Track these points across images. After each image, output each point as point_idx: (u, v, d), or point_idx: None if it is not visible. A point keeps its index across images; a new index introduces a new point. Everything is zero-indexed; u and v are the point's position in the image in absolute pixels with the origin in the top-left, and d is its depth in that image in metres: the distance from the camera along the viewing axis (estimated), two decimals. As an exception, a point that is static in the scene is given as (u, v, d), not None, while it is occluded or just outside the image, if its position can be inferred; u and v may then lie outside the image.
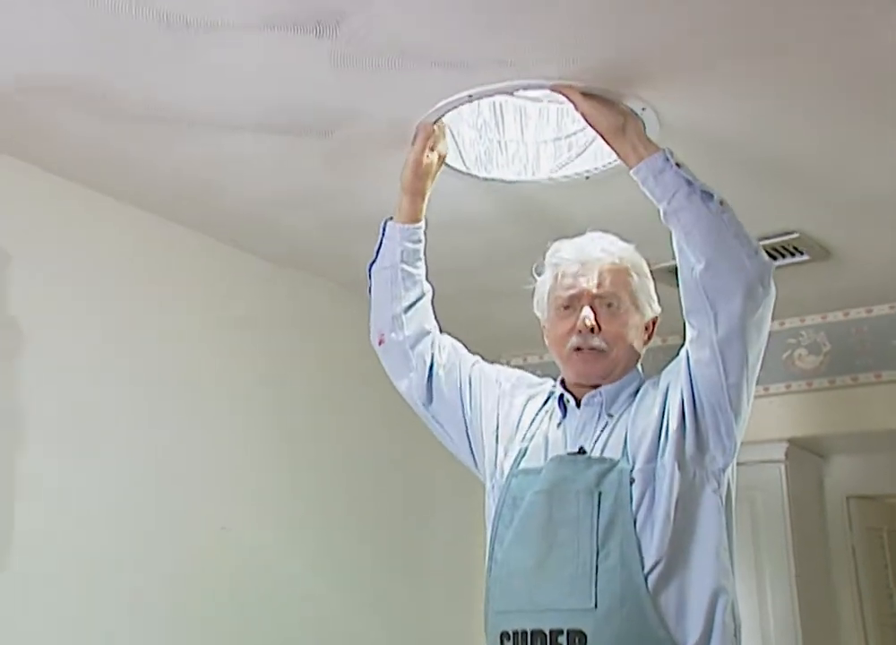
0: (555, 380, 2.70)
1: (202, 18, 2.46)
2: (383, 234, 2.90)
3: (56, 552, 3.05)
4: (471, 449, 2.77)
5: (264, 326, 3.91)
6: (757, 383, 2.51)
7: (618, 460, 2.40)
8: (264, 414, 3.83)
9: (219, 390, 3.68)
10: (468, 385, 2.80)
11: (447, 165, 3.11)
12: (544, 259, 2.66)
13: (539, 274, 2.68)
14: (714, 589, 2.31)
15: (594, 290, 2.53)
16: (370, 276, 2.93)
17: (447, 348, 2.89)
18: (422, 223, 2.92)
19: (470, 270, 3.92)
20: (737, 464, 2.51)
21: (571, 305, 2.55)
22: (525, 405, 2.71)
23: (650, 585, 2.27)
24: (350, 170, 3.24)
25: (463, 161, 3.15)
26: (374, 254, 2.92)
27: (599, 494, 2.35)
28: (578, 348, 2.53)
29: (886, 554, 4.74)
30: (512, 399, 2.75)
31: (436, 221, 3.49)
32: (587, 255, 2.58)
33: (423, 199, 2.90)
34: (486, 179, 3.24)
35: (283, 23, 2.48)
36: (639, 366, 2.63)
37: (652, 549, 2.29)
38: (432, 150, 2.88)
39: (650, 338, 2.65)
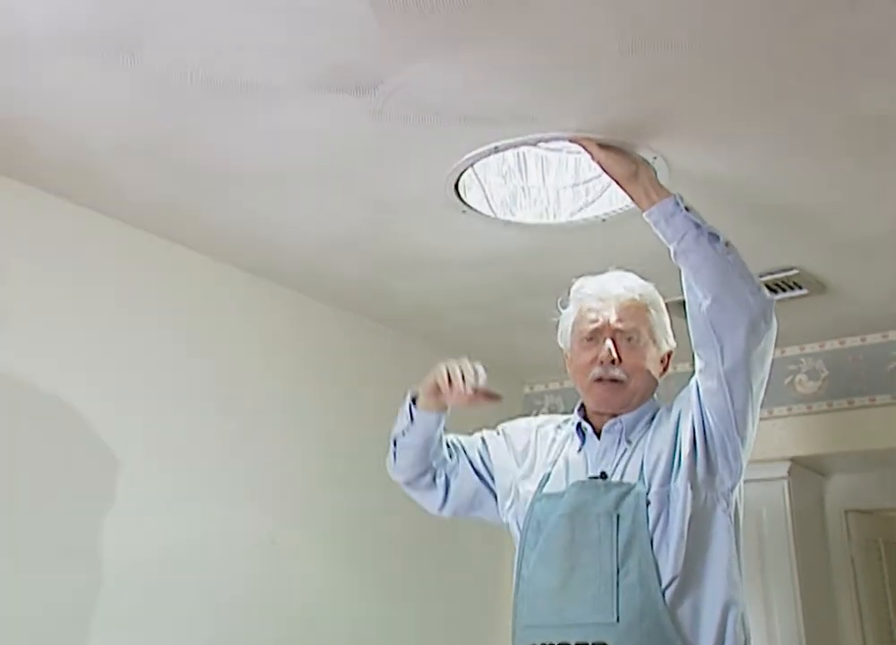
0: (572, 408, 2.70)
1: (256, 84, 2.52)
2: (411, 417, 2.70)
3: (121, 559, 3.07)
4: (496, 498, 2.75)
5: (314, 359, 3.93)
6: (761, 407, 2.52)
7: (635, 484, 2.40)
8: (314, 439, 3.84)
9: (273, 417, 3.69)
10: (480, 461, 2.78)
11: (475, 210, 3.16)
12: (569, 294, 2.67)
13: (564, 307, 2.67)
14: (726, 601, 2.31)
15: (615, 325, 2.53)
16: (394, 443, 2.79)
17: (455, 460, 2.80)
18: (448, 410, 2.71)
19: (496, 303, 3.94)
20: (744, 482, 2.50)
21: (593, 337, 2.55)
22: (537, 437, 2.72)
23: (667, 600, 2.27)
24: (387, 215, 3.25)
25: (490, 205, 3.16)
26: (399, 427, 2.76)
27: (618, 516, 2.36)
28: (599, 379, 2.52)
29: (883, 564, 4.71)
30: (524, 436, 2.75)
31: (466, 259, 3.55)
32: (609, 292, 2.58)
33: None
34: (510, 222, 3.25)
35: (327, 86, 2.53)
36: (654, 395, 2.62)
37: (668, 567, 2.29)
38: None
39: (665, 369, 2.64)
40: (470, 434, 2.85)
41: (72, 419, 3.01)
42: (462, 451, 2.80)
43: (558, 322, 2.70)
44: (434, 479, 2.76)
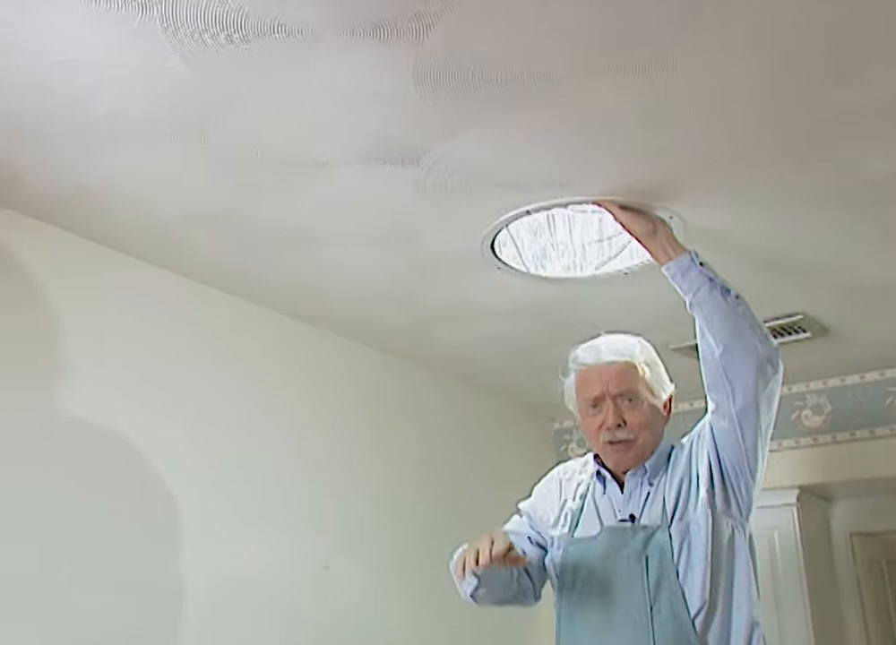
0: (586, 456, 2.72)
1: (312, 158, 2.56)
2: (478, 581, 2.52)
3: (185, 585, 3.08)
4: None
5: (362, 397, 3.94)
6: (771, 440, 2.52)
7: (659, 525, 2.40)
8: (363, 471, 3.84)
9: (327, 452, 3.70)
10: (537, 537, 2.70)
11: (509, 266, 3.17)
12: (567, 364, 2.66)
13: (565, 376, 2.67)
14: (750, 622, 2.32)
15: (614, 390, 2.51)
16: (472, 597, 2.60)
17: (530, 554, 2.65)
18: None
19: (527, 348, 3.95)
20: (756, 508, 2.51)
21: (597, 404, 2.54)
22: (563, 487, 2.71)
23: (697, 627, 2.28)
24: (429, 271, 3.28)
25: (522, 259, 3.17)
26: (472, 588, 2.56)
27: (646, 557, 2.37)
28: (610, 442, 2.52)
29: (886, 583, 4.70)
30: (554, 489, 2.74)
31: (500, 310, 3.56)
32: (603, 359, 2.56)
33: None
34: (541, 277, 3.26)
35: (376, 159, 2.56)
36: (664, 434, 2.61)
37: (696, 596, 2.30)
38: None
39: (670, 412, 2.62)
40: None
41: (144, 457, 3.04)
42: (523, 545, 2.67)
43: (563, 391, 2.69)
44: (522, 588, 2.64)
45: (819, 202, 2.80)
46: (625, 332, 2.68)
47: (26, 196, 2.75)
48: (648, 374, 2.56)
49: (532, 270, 3.23)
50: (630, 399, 2.52)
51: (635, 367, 2.55)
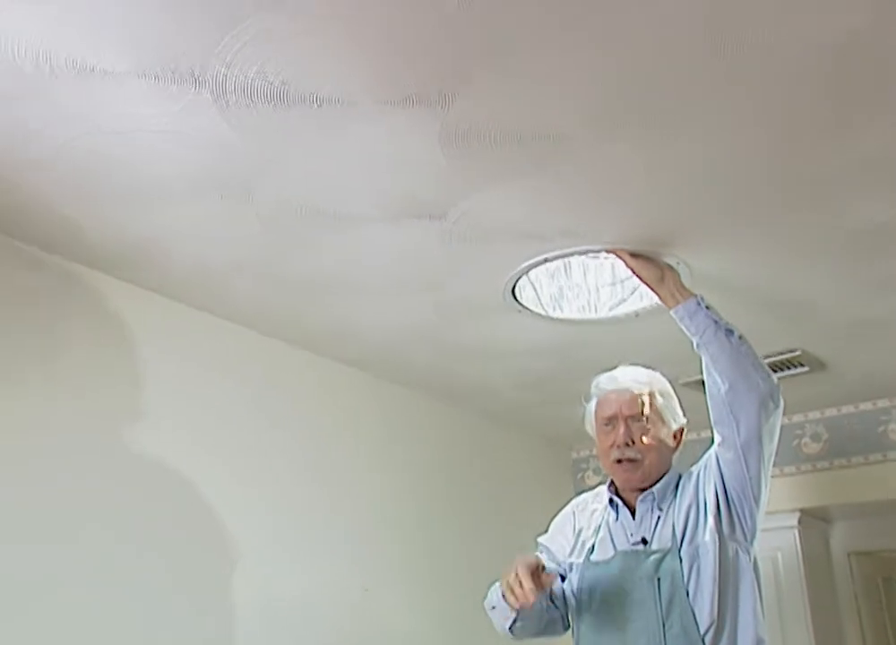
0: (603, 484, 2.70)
1: (346, 213, 2.59)
2: (517, 616, 2.47)
3: (239, 609, 3.08)
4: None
5: (394, 432, 3.94)
6: (773, 467, 2.53)
7: (670, 548, 2.40)
8: (398, 500, 3.83)
9: (364, 485, 3.70)
10: (556, 565, 2.65)
11: (528, 309, 3.18)
12: (590, 390, 2.69)
13: (587, 401, 2.69)
14: (755, 639, 2.32)
15: (627, 412, 2.54)
16: (511, 629, 2.53)
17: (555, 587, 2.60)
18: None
19: (546, 383, 3.95)
20: (762, 530, 2.51)
21: (610, 423, 2.57)
22: (577, 518, 2.70)
23: (707, 643, 2.28)
24: (455, 315, 3.28)
25: (540, 301, 3.17)
26: (510, 623, 2.50)
27: (658, 579, 2.37)
28: (619, 460, 2.53)
29: (882, 597, 4.67)
30: (567, 523, 2.72)
31: (520, 348, 3.57)
32: (620, 385, 2.60)
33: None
34: (558, 319, 3.27)
35: (404, 214, 2.59)
36: (673, 462, 2.61)
37: (705, 614, 2.30)
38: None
39: (679, 442, 2.63)
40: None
41: (202, 494, 3.06)
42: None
43: (584, 415, 2.71)
44: (552, 618, 2.60)
45: (814, 248, 2.81)
46: (644, 365, 2.71)
47: (89, 250, 2.80)
48: (660, 402, 2.58)
49: (550, 312, 3.24)
50: (640, 422, 2.54)
51: (649, 395, 2.57)
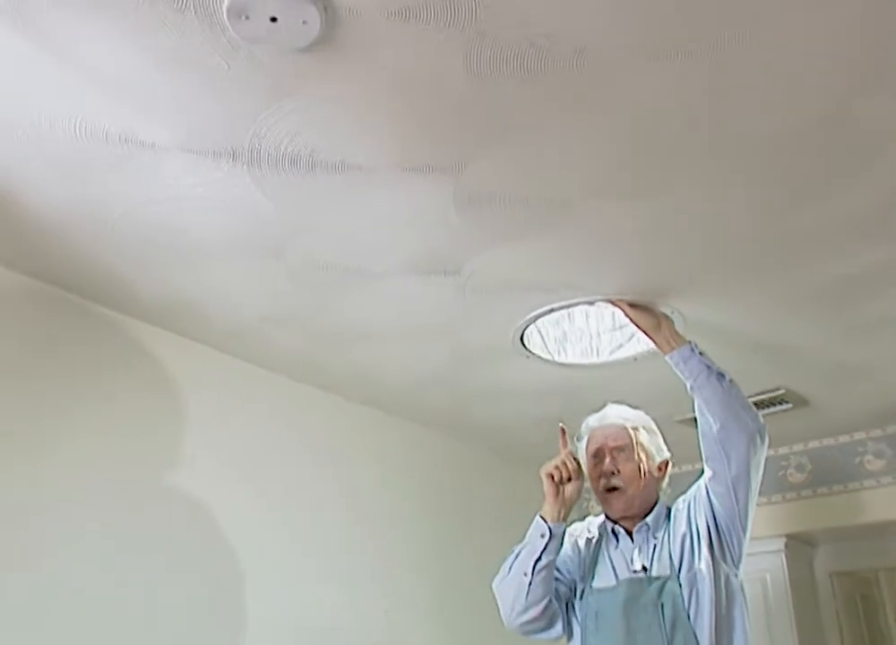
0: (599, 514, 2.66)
1: (368, 270, 2.60)
2: (550, 535, 2.46)
3: (266, 629, 3.07)
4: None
5: (414, 469, 3.93)
6: (761, 495, 2.51)
7: (669, 575, 2.38)
8: (416, 531, 3.81)
9: (384, 516, 3.67)
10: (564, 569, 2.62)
11: (536, 355, 3.18)
12: (581, 429, 2.68)
13: (579, 440, 2.67)
14: None
15: (612, 444, 2.54)
16: (530, 573, 2.44)
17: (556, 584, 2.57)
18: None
19: (554, 421, 3.91)
20: (751, 554, 2.53)
21: (598, 456, 2.56)
22: (577, 545, 2.64)
23: None
24: (469, 360, 3.28)
25: (545, 344, 3.16)
26: (532, 556, 2.45)
27: (662, 605, 2.33)
28: (606, 489, 2.52)
29: (860, 614, 4.64)
30: (567, 546, 2.64)
31: (529, 391, 3.56)
32: (607, 422, 2.61)
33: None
34: (562, 363, 3.26)
35: (422, 270, 2.61)
36: (661, 495, 2.58)
37: (705, 636, 2.27)
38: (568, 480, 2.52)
39: (664, 475, 2.60)
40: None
41: (237, 524, 3.06)
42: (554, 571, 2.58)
43: (577, 451, 2.65)
44: (552, 610, 2.51)
45: (795, 298, 2.81)
46: (630, 404, 2.71)
47: (139, 305, 2.83)
48: (643, 436, 2.57)
49: (555, 357, 3.23)
50: (625, 455, 2.53)
51: (633, 429, 2.57)
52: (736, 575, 2.43)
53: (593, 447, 2.59)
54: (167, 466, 2.89)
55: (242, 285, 2.70)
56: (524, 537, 2.52)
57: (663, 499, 2.58)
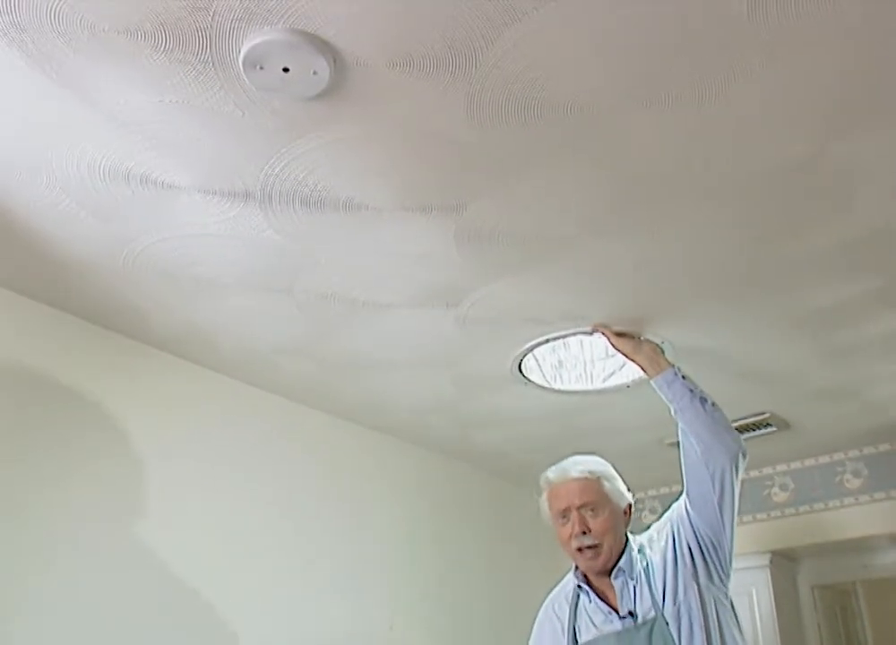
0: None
1: (375, 302, 2.62)
2: None
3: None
4: None
5: (417, 489, 3.92)
6: (747, 514, 2.49)
7: (654, 616, 2.27)
8: (419, 546, 3.79)
9: (389, 535, 3.66)
10: None
11: (533, 382, 3.18)
12: (540, 483, 2.52)
13: (539, 495, 2.52)
14: None
15: (578, 502, 2.38)
16: None
17: None
18: None
19: (549, 445, 3.88)
20: (738, 570, 2.47)
21: (564, 516, 2.40)
22: (553, 609, 2.54)
23: None
24: (469, 388, 3.28)
25: (542, 372, 3.16)
26: None
27: None
28: (579, 549, 2.37)
29: (839, 623, 4.64)
30: (545, 617, 2.55)
31: (526, 416, 3.56)
32: (569, 476, 2.43)
33: None
34: (559, 390, 3.26)
35: (425, 302, 2.62)
36: (628, 534, 2.44)
37: None
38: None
39: (629, 518, 2.47)
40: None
41: (243, 540, 3.05)
42: None
43: (539, 507, 2.55)
44: None
45: (779, 326, 2.82)
46: (590, 452, 2.58)
47: (152, 332, 2.84)
48: (607, 487, 2.43)
49: (552, 384, 3.23)
50: (592, 509, 2.37)
51: (595, 481, 2.42)
52: (725, 594, 2.36)
53: (559, 506, 2.43)
54: (172, 486, 2.88)
55: (252, 316, 2.71)
56: None
57: (630, 537, 2.47)
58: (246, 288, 2.52)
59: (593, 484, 2.42)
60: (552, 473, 2.49)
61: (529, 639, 2.61)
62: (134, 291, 2.55)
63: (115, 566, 2.63)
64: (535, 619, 2.61)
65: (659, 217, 2.19)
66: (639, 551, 2.42)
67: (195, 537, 2.89)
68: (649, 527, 2.55)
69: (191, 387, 3.05)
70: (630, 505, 2.49)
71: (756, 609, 4.20)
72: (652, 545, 2.43)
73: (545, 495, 2.50)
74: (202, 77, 1.69)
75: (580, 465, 2.47)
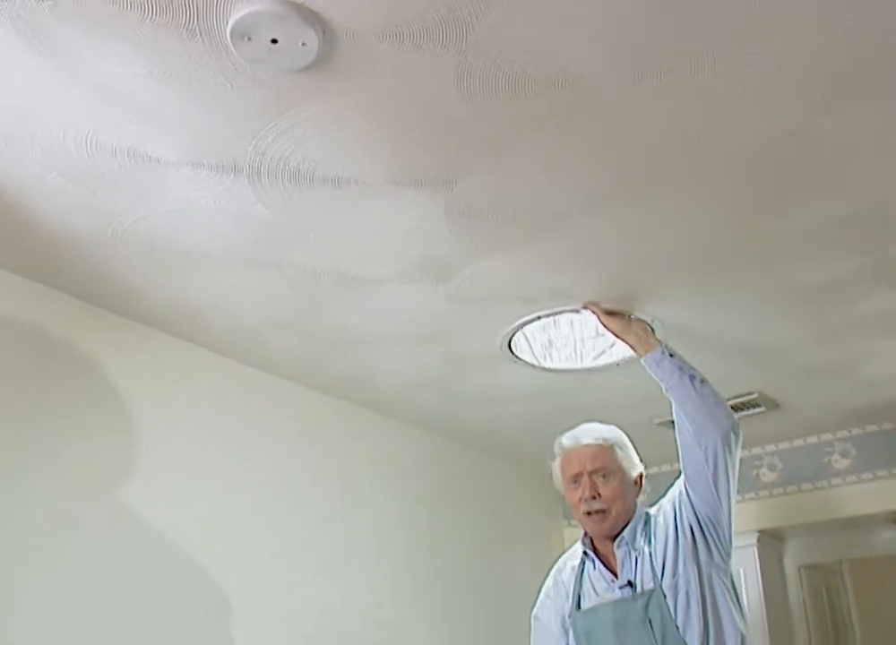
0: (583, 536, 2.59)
1: (364, 278, 2.61)
2: None
3: (271, 620, 3.06)
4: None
5: (406, 467, 3.91)
6: (736, 494, 2.49)
7: (654, 588, 2.34)
8: (410, 527, 3.80)
9: (378, 512, 3.66)
10: (557, 627, 2.58)
11: (523, 360, 3.18)
12: (554, 449, 2.60)
13: (552, 460, 2.61)
14: (737, 637, 2.29)
15: (589, 468, 2.47)
16: None
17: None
18: None
19: (538, 424, 3.90)
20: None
21: (576, 480, 2.49)
22: (559, 579, 2.61)
23: None
24: (459, 365, 3.28)
25: (532, 350, 3.16)
26: None
27: (650, 620, 2.30)
28: (587, 512, 2.46)
29: (825, 602, 4.67)
30: (551, 589, 2.64)
31: (516, 394, 3.56)
32: (581, 442, 2.53)
33: None
34: (548, 368, 3.27)
35: (414, 278, 2.61)
36: (638, 504, 2.53)
37: (696, 642, 2.25)
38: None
39: (640, 486, 2.56)
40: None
41: (229, 521, 3.05)
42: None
43: (552, 472, 2.62)
44: None
45: (770, 303, 2.83)
46: (602, 421, 2.65)
47: (141, 308, 2.83)
48: (619, 454, 2.51)
49: (542, 362, 3.23)
50: (603, 476, 2.46)
51: (608, 449, 2.51)
52: (725, 571, 2.40)
53: (571, 471, 2.51)
54: (164, 465, 2.87)
55: (242, 291, 2.70)
56: None
57: (639, 507, 2.54)
58: (236, 263, 2.51)
59: (606, 450, 2.50)
60: (566, 439, 2.57)
61: (531, 608, 2.68)
62: (123, 266, 2.54)
63: (106, 544, 2.63)
64: (541, 586, 2.69)
65: (649, 192, 2.18)
66: (645, 523, 2.48)
67: (189, 515, 2.89)
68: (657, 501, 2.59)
69: (182, 365, 3.04)
70: (641, 475, 2.57)
71: (743, 588, 4.21)
72: (658, 519, 2.48)
73: (557, 461, 2.58)
74: (189, 48, 1.67)
75: (594, 432, 2.56)
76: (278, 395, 3.40)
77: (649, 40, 1.68)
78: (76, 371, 2.72)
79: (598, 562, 2.49)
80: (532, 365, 3.24)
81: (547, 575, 2.71)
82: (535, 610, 2.68)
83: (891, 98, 1.87)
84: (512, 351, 3.13)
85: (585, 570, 2.54)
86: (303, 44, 1.65)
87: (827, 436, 4.19)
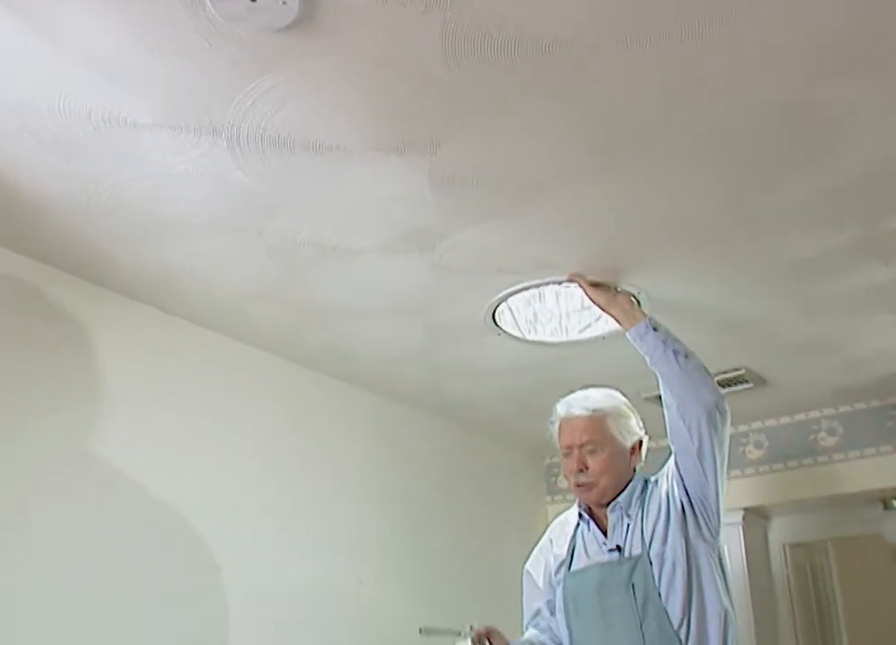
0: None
1: (347, 248, 2.59)
2: None
3: (247, 597, 3.05)
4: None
5: (387, 442, 3.91)
6: (723, 472, 2.50)
7: (641, 555, 2.37)
8: (390, 503, 3.79)
9: (359, 488, 3.66)
10: (545, 584, 2.65)
11: (507, 332, 3.17)
12: (552, 413, 2.63)
13: (552, 426, 2.62)
14: (720, 617, 2.32)
15: (578, 441, 2.49)
16: None
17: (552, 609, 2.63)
18: None
19: (522, 398, 3.91)
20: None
21: (567, 452, 2.53)
22: (554, 543, 2.66)
23: (681, 636, 2.27)
24: (442, 337, 3.27)
25: (517, 324, 3.15)
26: None
27: (633, 585, 2.33)
28: (576, 484, 2.51)
29: (809, 581, 4.71)
30: (545, 547, 2.69)
31: (500, 367, 3.55)
32: (572, 414, 2.54)
33: None
34: (532, 342, 3.26)
35: (397, 247, 2.59)
36: (636, 471, 2.55)
37: (677, 612, 2.28)
38: None
39: (637, 454, 2.57)
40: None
41: (209, 497, 3.05)
42: (542, 605, 2.66)
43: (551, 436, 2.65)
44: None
45: (758, 277, 2.82)
46: (604, 386, 2.67)
47: (117, 277, 2.79)
48: (611, 425, 2.52)
49: (526, 335, 3.22)
50: (591, 450, 2.48)
51: (599, 420, 2.52)
52: (713, 546, 2.42)
53: (563, 442, 2.55)
54: (143, 438, 2.85)
55: (220, 258, 2.66)
56: None
57: (639, 474, 2.56)
58: (214, 230, 2.48)
59: (597, 422, 2.51)
60: (560, 407, 2.61)
61: (513, 584, 2.75)
62: (100, 233, 2.50)
63: (90, 513, 2.62)
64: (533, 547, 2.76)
65: (637, 161, 2.16)
66: (643, 490, 2.50)
67: (148, 494, 2.85)
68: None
69: (155, 333, 3.01)
70: (640, 441, 2.57)
71: (727, 565, 4.27)
72: (654, 489, 2.50)
73: (554, 427, 2.60)
74: (165, 5, 1.63)
75: (587, 401, 2.57)
76: (260, 368, 3.38)
77: (639, 6, 1.65)
78: (54, 340, 2.69)
79: (592, 523, 2.53)
80: (517, 338, 3.23)
81: (542, 535, 2.76)
82: (527, 564, 2.73)
83: (883, 71, 1.85)
84: (496, 323, 3.11)
85: (580, 531, 2.58)
86: (283, 2, 1.61)
87: (814, 413, 4.20)
